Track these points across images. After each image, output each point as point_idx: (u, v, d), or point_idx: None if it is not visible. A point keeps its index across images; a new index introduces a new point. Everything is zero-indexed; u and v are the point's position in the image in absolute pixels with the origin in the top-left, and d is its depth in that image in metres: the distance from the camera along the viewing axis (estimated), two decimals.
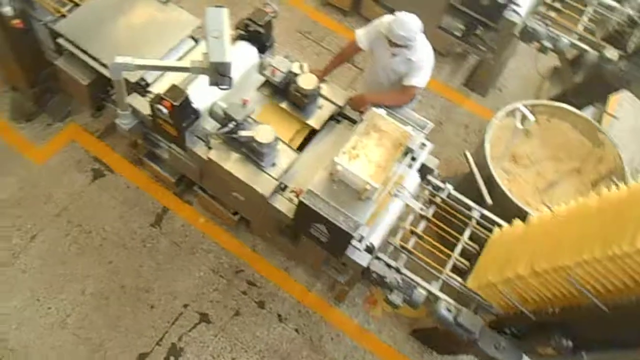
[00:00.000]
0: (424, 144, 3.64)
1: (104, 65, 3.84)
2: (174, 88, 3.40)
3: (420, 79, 3.70)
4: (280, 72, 3.67)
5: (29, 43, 4.10)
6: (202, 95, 3.60)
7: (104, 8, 4.08)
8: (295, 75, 3.69)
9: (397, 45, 3.59)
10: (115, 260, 4.25)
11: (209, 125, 3.70)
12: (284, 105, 3.81)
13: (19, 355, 3.87)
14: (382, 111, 3.45)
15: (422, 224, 3.60)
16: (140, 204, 4.47)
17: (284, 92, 3.79)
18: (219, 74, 3.14)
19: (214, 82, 3.23)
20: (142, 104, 3.76)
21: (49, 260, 4.19)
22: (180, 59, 4.00)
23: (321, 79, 3.82)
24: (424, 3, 5.02)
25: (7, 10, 3.71)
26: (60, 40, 3.96)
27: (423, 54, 3.68)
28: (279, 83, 3.70)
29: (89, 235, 4.32)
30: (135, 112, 3.80)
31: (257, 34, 3.84)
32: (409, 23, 3.53)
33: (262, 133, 3.40)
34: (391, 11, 5.31)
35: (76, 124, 4.76)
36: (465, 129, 5.25)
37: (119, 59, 3.29)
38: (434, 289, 3.36)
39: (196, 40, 4.13)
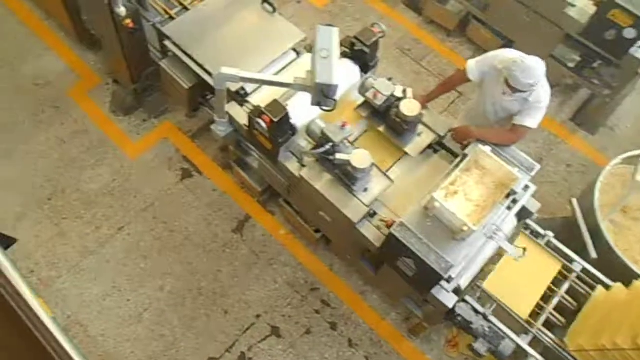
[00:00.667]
0: (527, 186, 3.41)
1: (206, 71, 3.87)
2: (274, 103, 3.37)
3: (534, 120, 3.44)
4: (382, 95, 3.55)
5: (136, 42, 4.20)
6: (301, 111, 3.55)
7: (211, 14, 4.12)
8: (398, 99, 3.56)
9: (516, 90, 3.34)
10: (195, 262, 4.30)
11: (304, 141, 3.65)
12: (381, 128, 3.69)
13: (96, 342, 3.98)
14: (487, 148, 3.26)
15: None
16: (224, 209, 4.50)
17: (383, 116, 3.67)
18: (323, 95, 3.07)
19: (316, 102, 3.16)
20: (239, 113, 3.77)
21: (132, 253, 4.30)
22: (281, 71, 3.98)
23: (423, 106, 3.66)
24: (539, 31, 4.77)
25: (122, 10, 3.81)
26: (167, 43, 4.04)
27: (541, 95, 3.40)
28: (380, 107, 3.58)
29: (172, 234, 4.39)
30: (231, 120, 3.81)
31: (361, 53, 3.74)
32: (534, 70, 3.24)
33: (359, 158, 3.29)
34: (500, 36, 5.13)
35: (170, 122, 4.86)
36: (567, 168, 4.91)
37: (225, 70, 3.29)
38: (524, 343, 3.14)
39: (298, 53, 4.10)
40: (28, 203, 4.40)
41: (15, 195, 4.42)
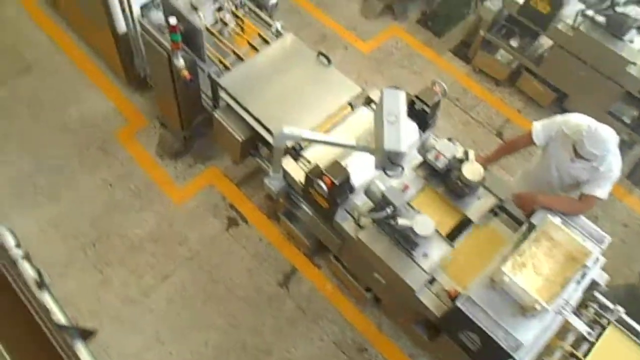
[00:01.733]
0: (597, 258, 3.27)
1: (261, 124, 3.82)
2: (335, 165, 3.29)
3: (604, 190, 3.30)
4: (444, 157, 3.46)
5: (190, 91, 4.18)
6: (359, 170, 3.47)
7: (266, 65, 4.09)
8: (459, 161, 3.46)
9: (584, 158, 3.22)
10: (238, 315, 4.19)
11: (360, 200, 3.55)
12: (440, 190, 3.59)
13: None
14: (558, 220, 3.13)
15: (585, 347, 3.21)
16: (269, 260, 4.41)
17: (442, 177, 3.57)
18: (390, 161, 2.98)
19: (380, 167, 3.08)
20: (294, 169, 3.70)
21: (176, 304, 4.21)
22: (336, 125, 3.91)
23: (484, 167, 3.56)
24: (596, 87, 4.67)
25: (180, 63, 3.80)
26: (222, 94, 4.01)
27: (613, 164, 3.27)
28: (441, 169, 3.48)
29: (216, 285, 4.29)
30: (286, 174, 3.75)
31: (422, 112, 3.67)
32: (605, 142, 3.12)
33: (422, 224, 3.18)
34: (553, 89, 5.03)
35: (216, 167, 4.81)
36: (624, 228, 4.74)
37: (287, 130, 3.23)
38: None
39: (353, 107, 4.04)
40: (73, 247, 4.36)
41: (60, 238, 4.38)
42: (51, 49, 5.31)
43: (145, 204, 4.60)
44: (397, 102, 3.01)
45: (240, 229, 4.54)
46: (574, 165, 3.36)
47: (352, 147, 3.21)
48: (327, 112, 3.91)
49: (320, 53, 4.12)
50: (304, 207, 3.99)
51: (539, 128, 3.51)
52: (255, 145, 4.20)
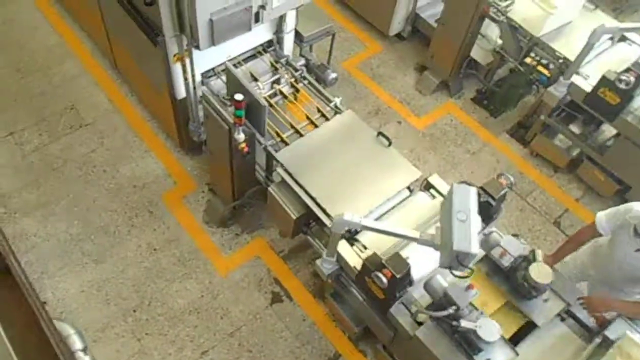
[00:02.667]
0: None
1: (316, 203, 3.73)
2: (397, 258, 3.15)
3: None
4: (510, 256, 3.29)
5: (246, 162, 4.14)
6: (419, 262, 3.32)
7: (324, 142, 4.04)
8: (526, 260, 3.28)
9: None
10: None
11: (418, 292, 3.38)
12: (502, 289, 3.39)
13: None
14: (638, 337, 2.90)
15: None
16: (312, 342, 4.21)
17: (506, 275, 3.38)
18: (458, 261, 2.83)
19: (446, 265, 2.91)
20: (349, 253, 3.57)
21: None
22: (393, 208, 3.80)
23: (551, 266, 3.36)
24: None
25: (240, 137, 3.77)
26: (279, 170, 3.95)
27: None
28: (506, 267, 3.31)
29: None
30: (339, 258, 3.61)
31: (486, 205, 3.52)
32: None
33: (487, 329, 2.98)
34: (616, 179, 4.84)
35: (263, 238, 4.71)
36: None
37: (347, 217, 3.12)
38: None
39: (411, 190, 3.93)
40: (113, 312, 4.26)
41: (101, 302, 4.29)
42: (108, 108, 5.40)
43: (189, 272, 4.50)
44: (468, 200, 2.87)
45: (284, 305, 4.38)
46: (637, 255, 3.18)
47: (416, 240, 3.07)
48: (385, 195, 3.81)
49: (380, 133, 4.06)
50: (355, 292, 3.83)
51: (603, 218, 3.38)
52: (308, 222, 4.11)
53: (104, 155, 5.08)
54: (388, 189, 3.83)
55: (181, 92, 4.46)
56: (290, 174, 3.90)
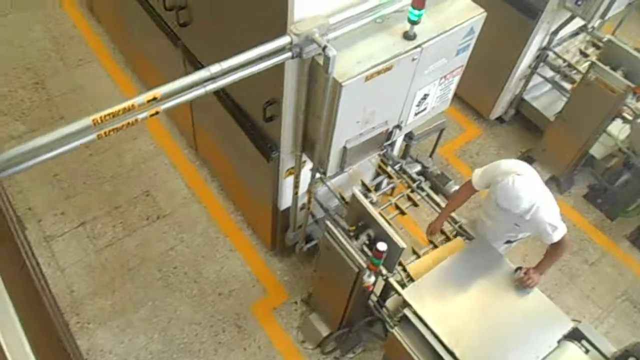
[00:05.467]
0: None
1: (448, 350, 3.20)
2: None
3: (558, 230, 3.24)
4: None
5: (364, 296, 3.63)
6: None
7: (456, 277, 3.49)
8: None
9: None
10: None
11: None
12: None
13: None
14: None
15: None
16: None
17: None
18: None
19: None
20: None
21: None
22: None
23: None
24: None
25: (371, 280, 3.27)
26: (406, 311, 3.43)
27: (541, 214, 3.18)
28: None
29: None
30: None
31: None
32: (515, 197, 3.06)
33: None
34: None
35: None
36: None
37: None
38: None
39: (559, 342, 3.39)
40: None
41: None
42: (186, 195, 4.92)
43: None
44: None
45: None
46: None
47: None
48: (535, 352, 3.26)
49: (520, 268, 3.53)
50: None
51: (479, 173, 3.50)
52: None
53: (185, 253, 4.59)
54: (537, 342, 3.28)
55: (286, 203, 3.97)
56: (419, 317, 3.38)
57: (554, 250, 3.45)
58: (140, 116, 2.36)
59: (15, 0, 6.31)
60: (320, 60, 2.74)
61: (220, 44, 3.45)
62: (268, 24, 2.81)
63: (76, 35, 6.03)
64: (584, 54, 5.12)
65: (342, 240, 3.35)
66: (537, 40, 4.80)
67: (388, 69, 2.90)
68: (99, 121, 2.21)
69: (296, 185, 3.70)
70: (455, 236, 3.82)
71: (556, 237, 3.32)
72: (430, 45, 2.98)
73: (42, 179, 4.90)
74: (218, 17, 3.47)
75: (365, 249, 3.40)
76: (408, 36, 2.96)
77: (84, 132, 2.23)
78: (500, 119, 5.62)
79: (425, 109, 3.57)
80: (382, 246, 2.99)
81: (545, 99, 5.36)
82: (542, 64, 5.06)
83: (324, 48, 2.56)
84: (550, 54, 4.96)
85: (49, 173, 4.93)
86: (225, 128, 3.95)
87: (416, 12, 2.82)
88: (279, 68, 2.77)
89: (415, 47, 2.94)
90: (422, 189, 4.02)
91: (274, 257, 4.63)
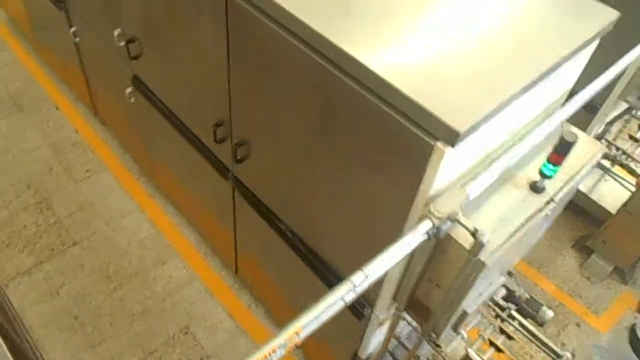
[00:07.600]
0: None
1: None
2: None
3: None
4: None
5: None
6: None
7: None
8: None
9: None
10: None
11: None
12: None
13: None
14: None
15: None
16: None
17: None
18: None
19: None
20: None
21: None
22: None
23: None
24: None
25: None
26: None
27: None
28: None
29: None
30: None
31: None
32: None
33: None
34: None
35: None
36: None
37: None
38: None
39: None
40: None
41: None
42: (230, 328, 4.36)
43: None
44: None
45: None
46: None
47: None
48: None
49: None
50: None
51: None
52: None
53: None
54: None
55: (367, 351, 3.50)
56: None
57: None
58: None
59: (2, 103, 5.72)
60: (455, 235, 2.33)
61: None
62: (389, 201, 2.40)
63: (79, 141, 5.47)
64: (634, 139, 4.91)
65: None
66: (593, 133, 4.57)
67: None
68: None
69: (388, 340, 3.24)
70: None
71: None
72: (562, 197, 2.63)
73: (58, 322, 4.26)
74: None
75: None
76: (536, 188, 2.60)
77: None
78: None
79: None
80: None
81: (601, 188, 5.12)
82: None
83: (474, 234, 2.16)
84: (604, 142, 4.74)
85: (67, 314, 4.31)
86: (292, 271, 3.48)
87: (551, 167, 2.47)
88: None
89: (548, 202, 2.58)
90: (513, 317, 3.63)
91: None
